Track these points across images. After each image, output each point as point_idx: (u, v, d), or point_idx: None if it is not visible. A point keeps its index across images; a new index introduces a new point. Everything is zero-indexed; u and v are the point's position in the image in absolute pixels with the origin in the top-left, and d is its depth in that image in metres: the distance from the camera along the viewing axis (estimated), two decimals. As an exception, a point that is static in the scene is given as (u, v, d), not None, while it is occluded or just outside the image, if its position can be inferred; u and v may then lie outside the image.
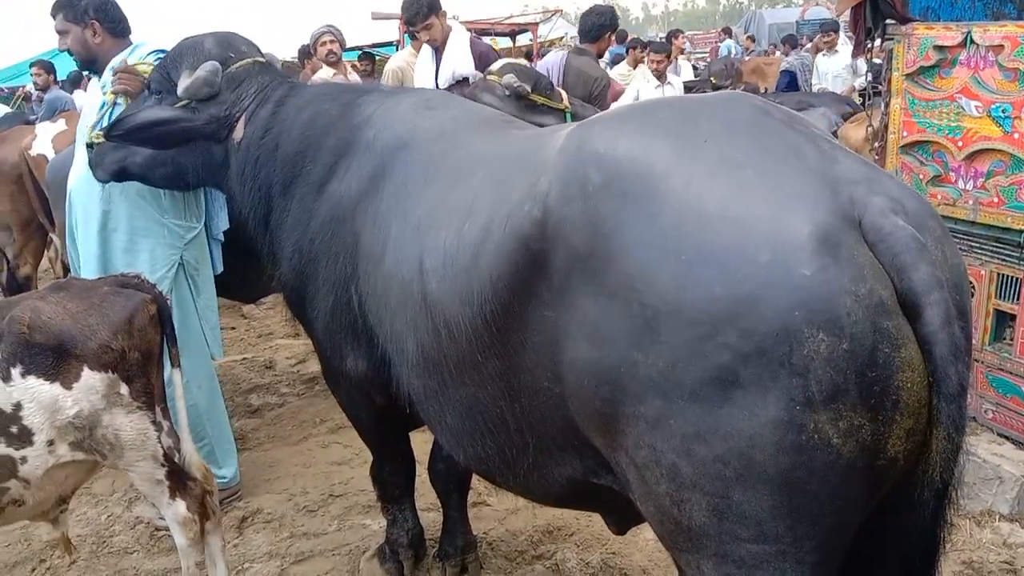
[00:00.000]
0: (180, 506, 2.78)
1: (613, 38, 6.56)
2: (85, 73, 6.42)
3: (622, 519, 2.30)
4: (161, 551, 3.45)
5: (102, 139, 3.18)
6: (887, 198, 1.55)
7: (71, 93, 10.31)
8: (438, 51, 5.38)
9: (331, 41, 6.98)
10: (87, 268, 3.57)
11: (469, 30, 6.14)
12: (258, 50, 3.14)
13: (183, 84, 2.90)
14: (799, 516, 1.53)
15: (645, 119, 1.82)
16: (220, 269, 3.87)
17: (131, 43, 3.66)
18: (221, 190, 3.20)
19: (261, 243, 3.00)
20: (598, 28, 6.10)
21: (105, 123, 3.23)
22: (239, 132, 2.92)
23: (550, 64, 5.95)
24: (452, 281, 2.04)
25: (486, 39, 8.42)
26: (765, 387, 1.47)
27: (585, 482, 2.01)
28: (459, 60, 5.24)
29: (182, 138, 3.01)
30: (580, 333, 1.71)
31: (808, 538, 1.55)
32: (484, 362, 2.00)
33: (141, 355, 2.69)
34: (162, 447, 2.75)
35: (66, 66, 11.10)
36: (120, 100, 3.37)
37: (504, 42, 13.29)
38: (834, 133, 6.92)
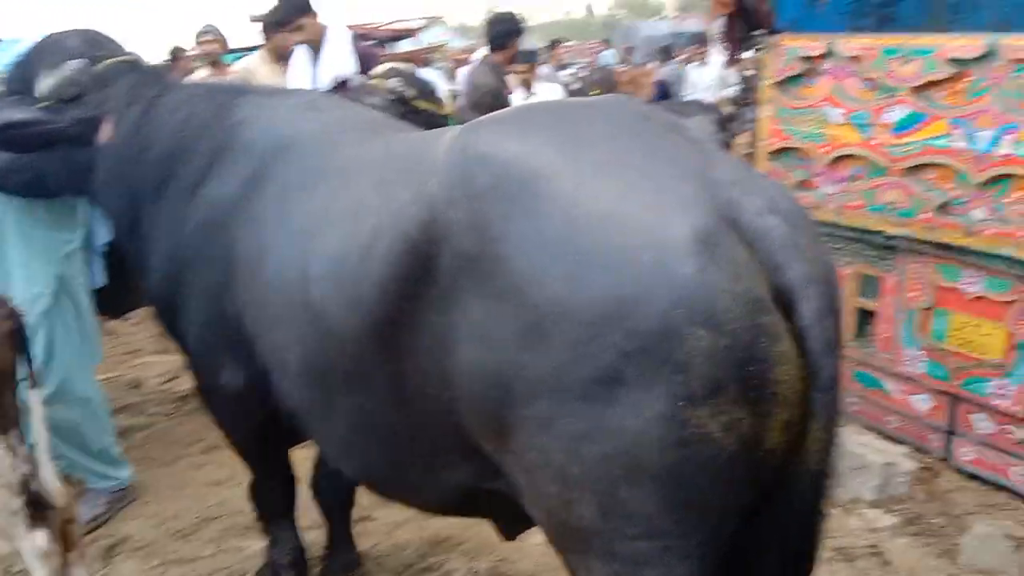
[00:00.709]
0: (39, 537, 2.58)
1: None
2: None
3: (512, 524, 2.29)
4: (17, 587, 3.20)
5: None
6: (763, 199, 1.59)
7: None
8: (315, 52, 5.22)
9: (210, 41, 6.75)
10: None
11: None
12: (123, 49, 2.98)
13: (46, 83, 2.71)
14: (685, 511, 1.55)
15: (529, 121, 1.82)
16: (102, 282, 3.66)
17: None
18: (85, 196, 3.00)
19: (128, 252, 2.84)
20: (504, 35, 6.08)
21: None
22: (106, 134, 2.75)
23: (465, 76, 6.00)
24: (338, 287, 1.97)
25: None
26: (649, 385, 1.48)
27: (475, 488, 1.99)
28: (341, 60, 5.09)
29: (44, 141, 2.81)
30: (468, 337, 1.69)
31: (694, 532, 1.58)
32: (372, 370, 1.95)
33: (-8, 375, 2.48)
34: (17, 474, 2.54)
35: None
36: None
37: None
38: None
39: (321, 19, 5.23)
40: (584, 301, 1.51)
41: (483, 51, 6.56)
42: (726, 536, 1.65)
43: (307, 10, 5.14)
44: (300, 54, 5.30)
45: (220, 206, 2.45)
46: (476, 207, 1.66)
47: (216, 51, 6.74)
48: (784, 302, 1.53)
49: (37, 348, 3.31)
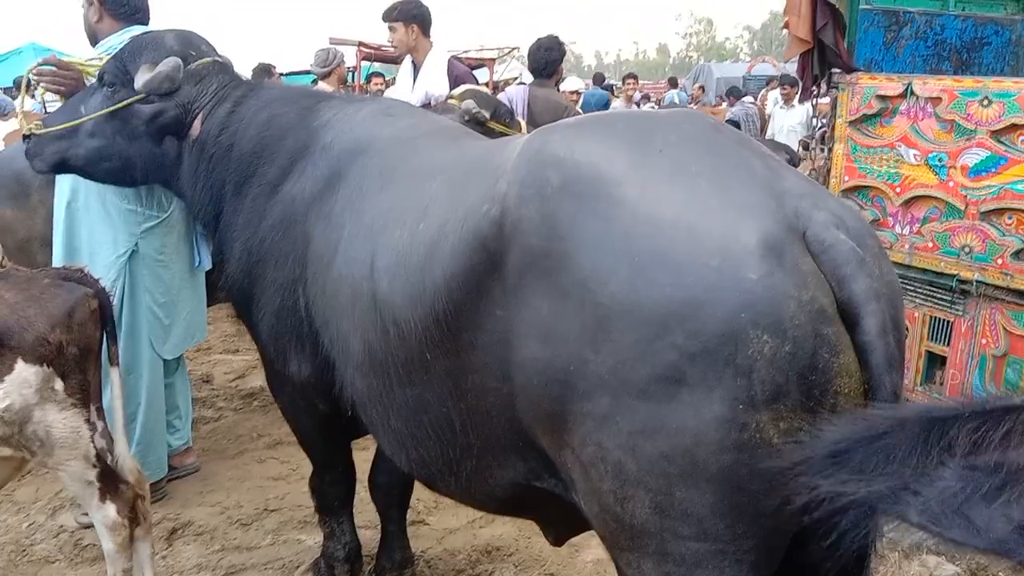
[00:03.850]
0: (110, 509, 2.70)
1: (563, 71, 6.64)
2: None
3: (560, 529, 2.30)
4: (85, 560, 3.33)
5: (41, 129, 3.14)
6: (830, 213, 1.62)
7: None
8: (416, 67, 5.44)
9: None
10: (56, 242, 3.61)
11: None
12: (215, 50, 3.14)
13: (144, 78, 2.86)
14: (739, 515, 1.56)
15: (604, 128, 1.87)
16: (208, 265, 3.78)
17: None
18: (169, 188, 3.15)
19: (200, 241, 2.97)
20: (551, 64, 6.13)
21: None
22: (196, 129, 2.90)
23: (513, 96, 5.94)
24: (404, 280, 2.04)
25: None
26: (710, 386, 1.50)
27: (527, 486, 2.01)
28: (434, 81, 5.27)
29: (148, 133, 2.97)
30: (532, 332, 1.73)
31: (747, 537, 1.58)
32: (432, 361, 2.00)
33: (79, 351, 2.62)
34: (95, 447, 2.67)
35: (13, 71, 10.94)
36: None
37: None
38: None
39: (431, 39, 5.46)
40: (649, 300, 1.54)
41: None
42: (781, 544, 1.65)
43: (403, 18, 5.35)
44: (405, 66, 5.56)
45: (298, 203, 2.55)
46: (546, 205, 1.71)
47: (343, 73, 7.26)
48: (848, 315, 1.55)
49: None
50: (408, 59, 5.56)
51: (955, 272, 3.97)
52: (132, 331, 3.63)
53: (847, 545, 1.66)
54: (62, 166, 3.19)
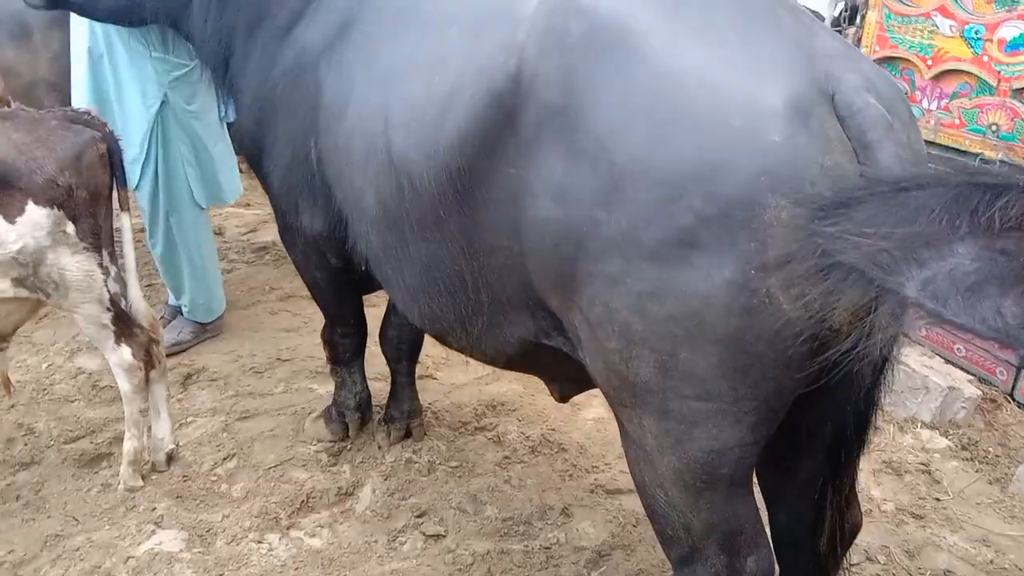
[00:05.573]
0: (125, 352, 2.77)
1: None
2: None
3: (566, 386, 2.35)
4: (103, 401, 3.44)
5: None
6: (861, 76, 1.55)
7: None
8: None
9: None
10: (76, 92, 3.53)
11: None
12: None
13: None
14: (742, 377, 1.57)
15: None
16: (232, 117, 3.69)
17: None
18: (176, 29, 3.02)
19: (218, 90, 2.90)
20: None
21: None
22: None
23: None
24: (419, 134, 1.99)
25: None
26: (723, 250, 1.49)
27: (536, 343, 2.03)
28: None
29: None
30: (544, 191, 1.70)
31: (748, 399, 1.60)
32: (445, 218, 1.98)
33: (88, 194, 2.61)
34: (108, 291, 2.71)
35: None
36: None
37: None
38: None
39: None
40: (667, 161, 1.51)
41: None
42: (782, 406, 1.67)
43: None
44: None
45: (309, 50, 2.45)
46: (566, 58, 1.64)
47: None
48: None
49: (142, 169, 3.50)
50: None
51: (979, 151, 3.88)
52: (169, 179, 3.63)
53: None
54: (58, 1, 3.07)
